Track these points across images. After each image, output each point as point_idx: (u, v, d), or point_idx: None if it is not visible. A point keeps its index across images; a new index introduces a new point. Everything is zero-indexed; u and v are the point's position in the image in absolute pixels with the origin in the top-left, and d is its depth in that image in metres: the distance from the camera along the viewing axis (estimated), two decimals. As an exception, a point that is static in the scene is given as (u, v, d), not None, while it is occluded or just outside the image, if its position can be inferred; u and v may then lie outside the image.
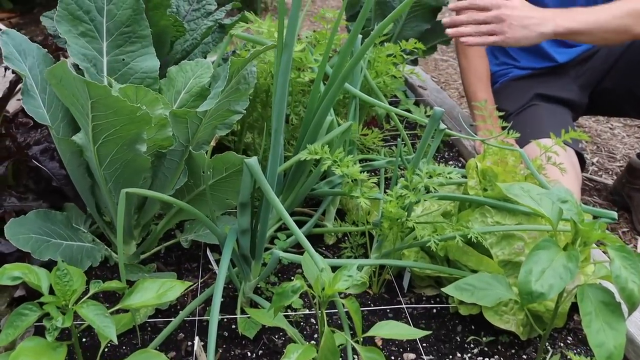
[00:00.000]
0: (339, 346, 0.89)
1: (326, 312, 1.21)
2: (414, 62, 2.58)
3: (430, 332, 1.13)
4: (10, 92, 1.29)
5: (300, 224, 1.45)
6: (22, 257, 1.13)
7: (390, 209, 1.14)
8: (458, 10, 1.65)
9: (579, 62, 1.97)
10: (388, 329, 0.96)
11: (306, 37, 1.58)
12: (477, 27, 1.58)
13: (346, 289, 0.88)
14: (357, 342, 0.93)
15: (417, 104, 2.37)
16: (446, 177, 1.13)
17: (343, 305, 0.96)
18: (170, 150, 1.17)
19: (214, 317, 0.97)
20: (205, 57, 1.57)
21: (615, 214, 1.16)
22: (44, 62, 1.14)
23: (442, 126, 1.17)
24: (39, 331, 1.05)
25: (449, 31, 1.61)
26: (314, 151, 1.14)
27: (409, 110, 2.21)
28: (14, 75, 1.30)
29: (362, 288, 1.26)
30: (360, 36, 1.43)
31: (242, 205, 1.08)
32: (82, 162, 1.15)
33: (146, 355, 0.86)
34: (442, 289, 1.08)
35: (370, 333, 0.96)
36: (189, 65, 1.27)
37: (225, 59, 1.50)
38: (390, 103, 2.31)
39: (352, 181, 1.20)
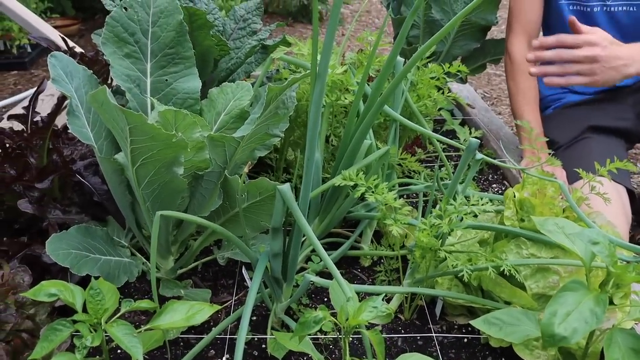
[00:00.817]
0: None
1: (355, 337, 1.22)
2: (463, 81, 2.56)
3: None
4: (57, 108, 1.33)
5: (336, 245, 1.47)
6: (63, 268, 1.17)
7: (422, 239, 1.13)
8: (542, 48, 1.58)
9: (638, 88, 1.91)
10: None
11: (350, 58, 1.58)
12: (565, 67, 1.53)
13: (370, 320, 0.88)
14: (380, 373, 0.93)
15: (463, 123, 2.35)
16: (479, 209, 1.12)
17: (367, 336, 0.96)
18: (207, 172, 1.20)
19: (241, 338, 0.99)
20: (248, 76, 1.60)
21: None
22: (89, 83, 1.18)
23: (479, 156, 1.16)
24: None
25: (532, 70, 1.57)
26: (349, 177, 1.15)
27: (453, 131, 2.19)
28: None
29: (387, 319, 1.26)
30: (400, 59, 1.43)
31: (274, 229, 1.09)
32: (122, 180, 1.19)
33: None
34: (471, 322, 1.07)
35: (396, 364, 0.96)
36: (230, 87, 1.29)
37: (269, 78, 1.52)
38: (436, 121, 2.31)
39: (385, 207, 1.20)
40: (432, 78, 1.56)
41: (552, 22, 1.97)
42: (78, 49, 1.77)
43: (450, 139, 1.31)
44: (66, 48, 1.71)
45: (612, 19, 1.85)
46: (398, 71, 1.43)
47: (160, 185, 1.11)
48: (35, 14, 3.77)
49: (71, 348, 0.96)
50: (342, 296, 0.97)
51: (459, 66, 1.59)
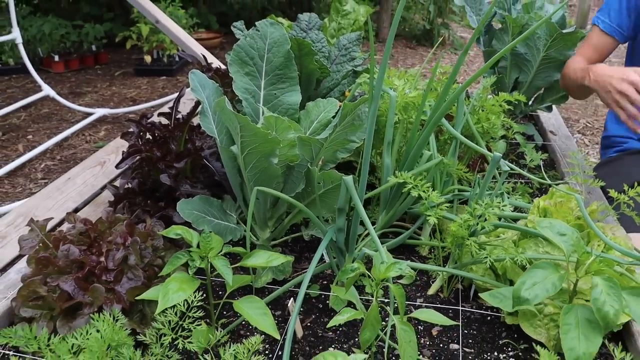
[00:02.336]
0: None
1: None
2: (549, 109, 2.81)
3: (457, 323, 1.44)
4: (194, 110, 1.78)
5: (397, 235, 1.81)
6: (187, 225, 1.61)
7: (454, 228, 1.46)
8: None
9: None
10: (425, 315, 1.29)
11: (423, 86, 1.93)
12: None
13: (395, 276, 1.22)
14: (400, 319, 1.27)
15: (539, 148, 2.60)
16: (496, 213, 1.43)
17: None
18: (297, 164, 1.59)
19: (305, 283, 1.36)
20: (343, 94, 1.98)
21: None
22: (216, 93, 1.61)
23: (505, 167, 1.47)
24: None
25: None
26: (400, 177, 1.50)
27: (516, 154, 2.46)
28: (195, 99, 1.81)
29: (409, 280, 1.59)
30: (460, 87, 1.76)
31: (339, 210, 1.46)
32: (235, 165, 1.61)
33: (251, 298, 1.27)
34: (480, 294, 1.39)
35: (412, 315, 1.30)
36: (322, 102, 1.68)
37: (355, 97, 1.90)
38: (510, 145, 2.58)
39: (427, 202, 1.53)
40: (493, 105, 1.88)
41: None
42: (215, 64, 2.23)
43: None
44: (205, 63, 2.18)
45: None
46: (461, 100, 1.77)
47: (260, 170, 1.52)
48: (185, 28, 4.39)
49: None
50: (380, 259, 1.32)
51: (518, 95, 1.89)
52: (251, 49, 1.66)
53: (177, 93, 1.95)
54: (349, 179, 1.39)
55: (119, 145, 2.34)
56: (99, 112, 4.08)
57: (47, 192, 2.02)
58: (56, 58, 5.47)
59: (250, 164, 1.50)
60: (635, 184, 1.60)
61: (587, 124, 4.02)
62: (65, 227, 1.67)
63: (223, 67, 2.12)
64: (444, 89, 1.52)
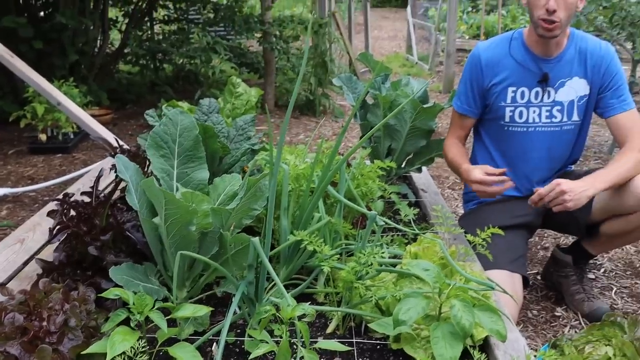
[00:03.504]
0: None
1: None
2: (419, 170, 3.27)
3: (350, 348, 1.75)
4: (114, 189, 2.04)
5: (296, 286, 2.12)
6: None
7: (344, 274, 1.79)
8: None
9: None
10: (326, 344, 1.61)
11: (310, 158, 2.29)
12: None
13: (299, 315, 1.53)
14: (306, 350, 1.57)
15: (413, 204, 3.02)
16: (380, 256, 1.78)
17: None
18: (210, 230, 1.88)
19: (225, 328, 1.64)
20: (243, 169, 2.30)
21: (492, 284, 1.77)
22: (137, 173, 1.89)
23: (380, 222, 1.84)
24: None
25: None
26: (298, 235, 1.83)
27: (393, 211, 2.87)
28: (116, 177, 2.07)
29: (311, 317, 1.90)
30: (342, 159, 2.14)
31: (249, 266, 1.76)
32: (156, 234, 1.87)
33: (182, 344, 1.53)
34: (369, 325, 1.72)
35: (316, 345, 1.60)
36: (227, 177, 2.00)
37: (253, 171, 2.22)
38: (388, 203, 2.99)
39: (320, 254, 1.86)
40: (369, 171, 2.26)
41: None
42: (126, 147, 2.49)
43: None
44: (117, 145, 2.44)
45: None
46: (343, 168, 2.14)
47: (180, 237, 1.79)
48: (80, 106, 4.57)
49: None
50: (286, 303, 1.62)
51: (390, 162, 2.30)
52: (165, 135, 1.96)
53: (83, 170, 2.20)
54: (256, 240, 1.70)
55: (36, 222, 2.52)
56: (-1, 192, 4.17)
57: (-28, 271, 2.18)
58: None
59: (172, 232, 1.77)
60: (486, 228, 2.01)
61: (456, 180, 4.55)
62: None
63: (132, 148, 2.39)
64: (328, 162, 1.88)
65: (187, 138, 1.98)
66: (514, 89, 2.56)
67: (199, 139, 1.99)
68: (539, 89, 2.54)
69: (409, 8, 11.89)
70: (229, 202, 1.95)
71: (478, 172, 2.39)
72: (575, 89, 2.53)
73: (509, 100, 2.58)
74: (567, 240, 3.56)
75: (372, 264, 1.79)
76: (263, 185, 1.88)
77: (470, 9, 15.33)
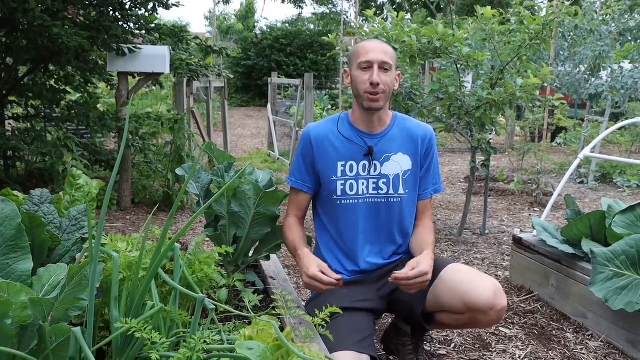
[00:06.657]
0: None
1: None
2: (267, 258, 3.29)
3: None
4: None
5: (132, 379, 2.03)
6: None
7: (174, 361, 1.75)
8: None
9: (382, 275, 2.71)
10: None
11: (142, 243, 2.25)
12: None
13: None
14: None
15: (262, 292, 3.03)
16: (210, 341, 1.76)
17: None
18: (30, 323, 1.78)
19: None
20: (74, 260, 2.22)
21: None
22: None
23: (211, 307, 1.82)
24: None
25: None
26: (124, 322, 1.77)
27: (239, 299, 2.86)
28: None
29: None
30: (177, 245, 2.12)
31: (70, 358, 1.67)
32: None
33: None
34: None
35: None
36: (52, 267, 1.92)
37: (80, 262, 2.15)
38: (235, 292, 2.97)
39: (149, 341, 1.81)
40: (207, 257, 2.26)
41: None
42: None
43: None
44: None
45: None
46: (176, 254, 2.12)
47: (-7, 333, 1.68)
48: None
49: None
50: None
51: (229, 248, 2.31)
52: (-17, 224, 1.86)
53: None
54: (77, 330, 1.63)
55: None
56: None
57: None
58: None
59: (-17, 327, 1.66)
60: (324, 307, 2.05)
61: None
62: None
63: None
64: (157, 246, 1.86)
65: (8, 227, 1.90)
66: (343, 162, 2.72)
67: (22, 229, 1.91)
68: (366, 162, 2.71)
69: (269, 106, 12.27)
70: (54, 292, 1.86)
71: (315, 268, 2.46)
72: (400, 163, 2.72)
73: (339, 174, 2.72)
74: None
75: (200, 349, 1.76)
76: (88, 273, 1.82)
77: (329, 106, 16.34)
